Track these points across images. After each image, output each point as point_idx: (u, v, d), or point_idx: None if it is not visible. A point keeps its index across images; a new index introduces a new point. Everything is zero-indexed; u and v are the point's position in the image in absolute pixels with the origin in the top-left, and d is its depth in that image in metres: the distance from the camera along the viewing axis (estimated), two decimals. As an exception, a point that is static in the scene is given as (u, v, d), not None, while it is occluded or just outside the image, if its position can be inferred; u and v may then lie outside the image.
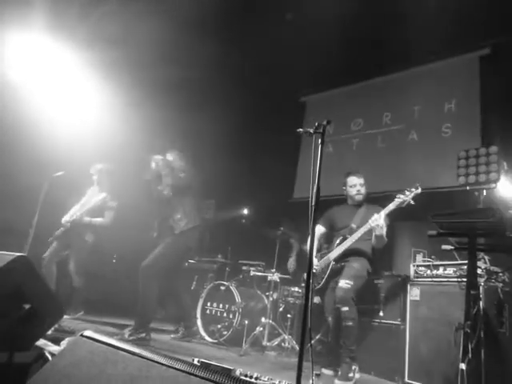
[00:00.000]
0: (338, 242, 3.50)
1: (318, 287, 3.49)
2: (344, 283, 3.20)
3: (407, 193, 3.18)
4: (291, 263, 5.03)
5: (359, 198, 3.60)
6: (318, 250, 3.70)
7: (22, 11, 4.63)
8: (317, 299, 3.99)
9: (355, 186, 3.61)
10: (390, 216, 3.30)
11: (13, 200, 4.84)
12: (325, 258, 3.54)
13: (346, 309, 3.13)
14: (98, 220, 4.36)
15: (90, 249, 4.39)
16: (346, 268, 3.37)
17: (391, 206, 3.22)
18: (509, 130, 4.21)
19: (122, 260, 6.05)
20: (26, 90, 5.07)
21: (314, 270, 3.51)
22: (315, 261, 3.54)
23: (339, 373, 3.10)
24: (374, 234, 3.29)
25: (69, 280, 4.32)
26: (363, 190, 3.61)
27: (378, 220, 3.15)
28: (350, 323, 3.12)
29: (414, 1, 4.57)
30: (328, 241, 3.76)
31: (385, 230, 3.25)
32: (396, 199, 3.20)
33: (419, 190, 3.16)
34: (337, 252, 3.45)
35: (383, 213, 3.20)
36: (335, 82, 6.42)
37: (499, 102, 4.60)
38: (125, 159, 4.14)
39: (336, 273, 3.43)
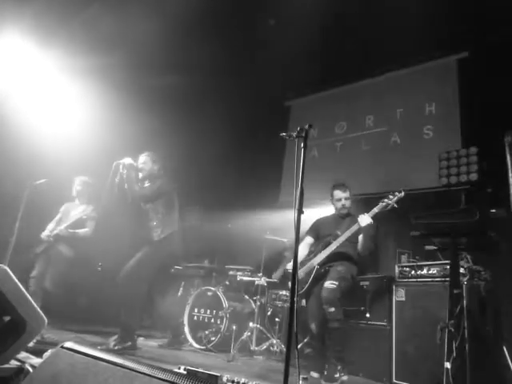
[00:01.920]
0: (322, 246, 3.53)
1: (301, 292, 3.48)
2: (329, 283, 3.24)
3: (391, 197, 3.32)
4: (277, 275, 4.99)
5: (344, 211, 3.70)
6: (305, 258, 3.69)
7: (4, 15, 4.56)
8: (304, 302, 3.99)
9: (340, 200, 3.70)
10: (374, 219, 3.35)
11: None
12: (308, 263, 3.55)
13: (332, 310, 3.15)
14: (81, 231, 4.29)
15: (70, 263, 4.26)
16: (330, 271, 3.40)
17: (375, 210, 3.33)
18: (488, 130, 4.30)
19: (107, 268, 5.96)
20: (7, 96, 4.97)
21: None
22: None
23: (325, 373, 3.10)
24: (361, 235, 3.39)
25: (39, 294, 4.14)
26: (348, 204, 3.70)
27: (366, 219, 3.25)
28: (336, 324, 3.14)
29: (393, 6, 4.65)
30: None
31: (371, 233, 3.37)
32: (380, 203, 3.34)
33: (402, 194, 3.32)
34: (321, 256, 3.47)
35: (370, 213, 3.32)
36: (319, 86, 6.47)
37: (478, 104, 4.70)
38: (102, 167, 4.06)
39: (320, 277, 3.44)
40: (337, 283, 3.23)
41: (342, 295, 3.26)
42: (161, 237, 3.68)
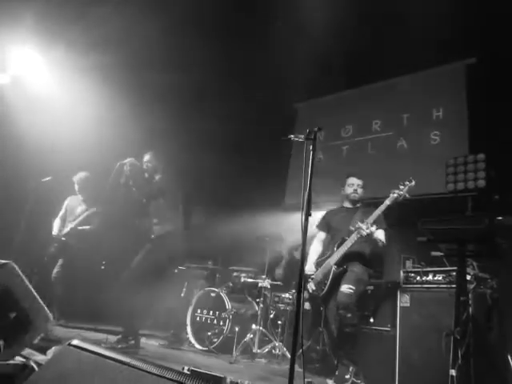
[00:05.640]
0: (337, 245, 3.39)
1: (322, 294, 3.35)
2: (346, 288, 3.13)
3: (401, 187, 3.22)
4: (279, 273, 5.00)
5: (354, 196, 3.56)
6: (320, 257, 3.58)
7: (6, 15, 4.59)
8: (307, 305, 3.96)
9: (353, 185, 3.58)
10: (386, 213, 3.27)
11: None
12: (325, 263, 3.40)
13: (349, 315, 3.06)
14: (87, 228, 4.38)
15: (81, 258, 4.38)
16: (347, 273, 3.28)
17: (387, 202, 3.23)
18: (496, 137, 4.28)
19: (110, 266, 5.97)
20: (13, 94, 5.01)
21: (312, 278, 3.42)
22: (312, 268, 3.47)
23: (336, 373, 3.05)
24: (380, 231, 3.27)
25: (50, 288, 4.24)
26: (360, 191, 3.58)
27: (364, 229, 3.12)
28: (352, 329, 3.07)
29: (402, 11, 4.65)
30: (327, 246, 3.65)
31: (379, 234, 3.25)
32: (391, 195, 3.23)
33: (413, 183, 3.20)
34: (337, 256, 3.33)
35: (371, 218, 3.20)
36: (326, 89, 6.47)
37: (486, 110, 4.68)
38: (108, 164, 4.12)
39: (339, 278, 3.30)
40: (354, 287, 3.12)
41: (358, 299, 3.16)
42: (160, 233, 3.66)
